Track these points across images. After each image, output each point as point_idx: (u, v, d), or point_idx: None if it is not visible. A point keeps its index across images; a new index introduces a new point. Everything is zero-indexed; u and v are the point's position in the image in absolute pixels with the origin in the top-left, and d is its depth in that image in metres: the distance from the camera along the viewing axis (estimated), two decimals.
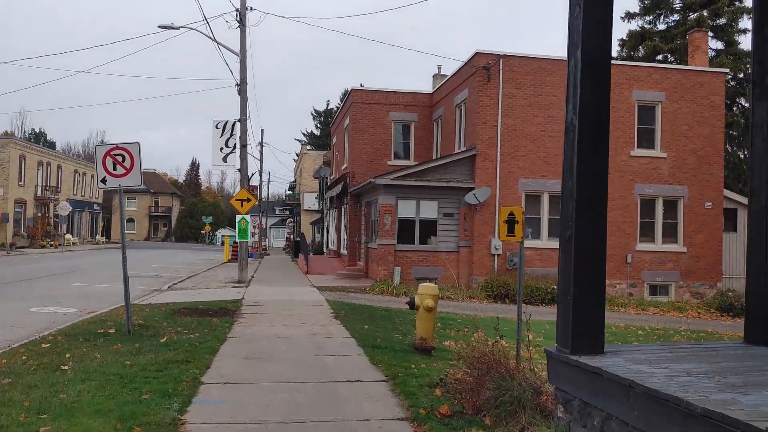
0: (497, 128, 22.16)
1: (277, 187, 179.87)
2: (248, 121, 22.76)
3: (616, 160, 22.74)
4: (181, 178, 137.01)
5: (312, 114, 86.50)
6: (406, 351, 9.57)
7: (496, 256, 22.08)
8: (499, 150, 22.12)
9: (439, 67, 32.58)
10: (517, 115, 22.30)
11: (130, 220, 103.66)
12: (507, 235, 9.55)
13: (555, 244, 23.30)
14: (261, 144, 52.49)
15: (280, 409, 6.17)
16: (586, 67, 5.08)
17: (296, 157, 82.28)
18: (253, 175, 24.66)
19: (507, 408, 6.10)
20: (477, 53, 22.26)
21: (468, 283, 22.10)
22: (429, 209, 22.60)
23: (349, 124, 29.26)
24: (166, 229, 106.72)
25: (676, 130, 23.18)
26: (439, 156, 26.10)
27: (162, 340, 9.64)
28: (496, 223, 22.06)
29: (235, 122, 22.72)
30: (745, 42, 40.11)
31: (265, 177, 77.75)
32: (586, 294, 5.13)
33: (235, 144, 22.71)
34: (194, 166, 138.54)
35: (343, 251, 30.94)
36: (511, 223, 9.49)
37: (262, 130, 56.49)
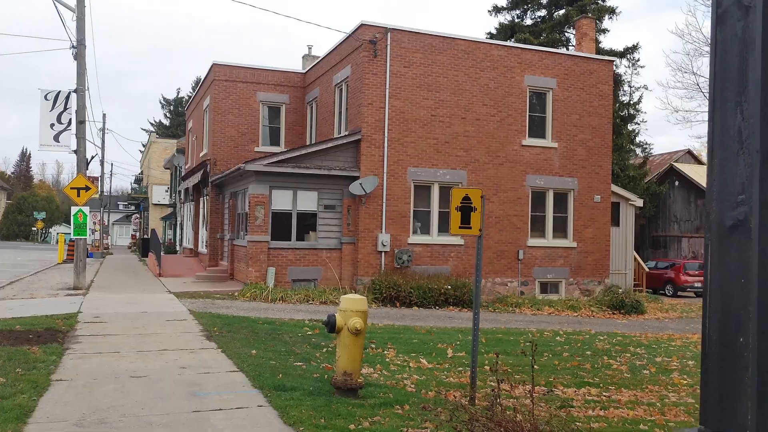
0: (384, 110, 19.74)
1: (121, 181, 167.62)
2: (87, 93, 18.67)
3: (507, 149, 21.18)
4: (10, 170, 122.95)
5: (161, 102, 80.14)
6: (322, 392, 6.77)
7: (383, 254, 19.67)
8: (386, 135, 19.72)
9: (310, 48, 29.68)
10: (405, 96, 20.02)
11: None
12: (460, 227, 7.03)
13: (446, 239, 21.41)
14: (103, 130, 46.67)
15: None
16: None
17: (143, 148, 75.68)
18: (92, 158, 20.47)
19: None
20: (362, 25, 19.71)
21: (352, 285, 19.53)
22: (308, 200, 19.74)
23: (209, 104, 25.63)
24: None
25: (567, 120, 22.02)
26: (313, 143, 23.28)
27: None
28: (383, 216, 19.68)
29: (70, 93, 18.53)
30: (606, 41, 40.76)
31: (107, 168, 70.22)
32: None
33: (71, 120, 18.54)
34: (25, 157, 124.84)
35: (203, 249, 27.24)
36: (465, 210, 6.98)
37: (104, 115, 50.28)
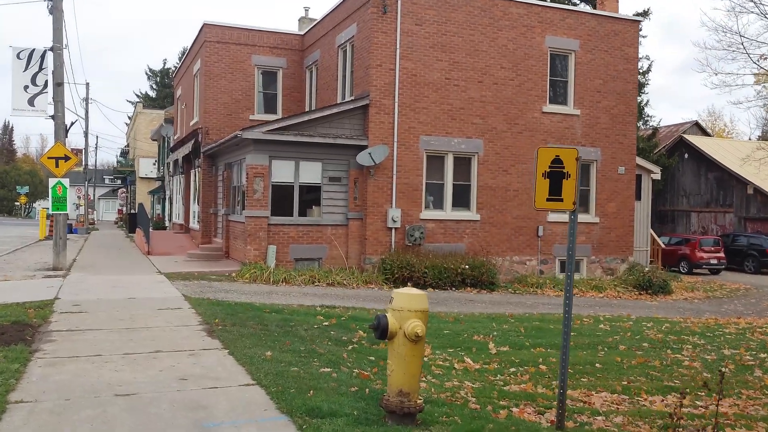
0: (395, 73, 17.92)
1: (107, 155, 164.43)
2: (65, 50, 16.72)
3: (526, 117, 19.46)
4: None
5: (147, 73, 76.91)
6: (371, 418, 5.12)
7: (393, 230, 17.98)
8: (397, 100, 17.92)
9: (307, 10, 27.62)
10: (417, 57, 18.20)
11: None
12: (548, 200, 5.36)
13: (460, 214, 19.73)
14: (86, 99, 44.34)
15: None
16: None
17: (129, 121, 73.17)
18: (72, 124, 18.44)
19: None
20: None
21: (360, 264, 17.87)
22: (311, 172, 17.96)
23: (200, 68, 23.64)
24: None
25: (590, 85, 20.29)
26: (314, 109, 21.40)
27: None
28: (393, 190, 17.97)
29: (45, 51, 16.56)
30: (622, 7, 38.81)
31: (92, 141, 67.63)
32: None
33: (47, 82, 16.61)
34: (7, 130, 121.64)
35: (194, 225, 25.45)
36: (555, 177, 5.30)
37: (87, 83, 47.53)
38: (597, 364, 8.76)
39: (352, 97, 18.82)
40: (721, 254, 29.05)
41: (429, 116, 18.35)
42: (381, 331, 5.08)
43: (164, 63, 75.01)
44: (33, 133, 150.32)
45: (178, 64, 45.41)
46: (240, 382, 5.97)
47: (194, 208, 25.60)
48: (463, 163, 18.95)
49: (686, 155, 38.58)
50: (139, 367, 6.45)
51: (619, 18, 20.97)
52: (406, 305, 5.11)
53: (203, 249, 21.21)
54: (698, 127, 45.19)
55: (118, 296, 11.83)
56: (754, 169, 37.27)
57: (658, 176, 26.09)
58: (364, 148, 17.73)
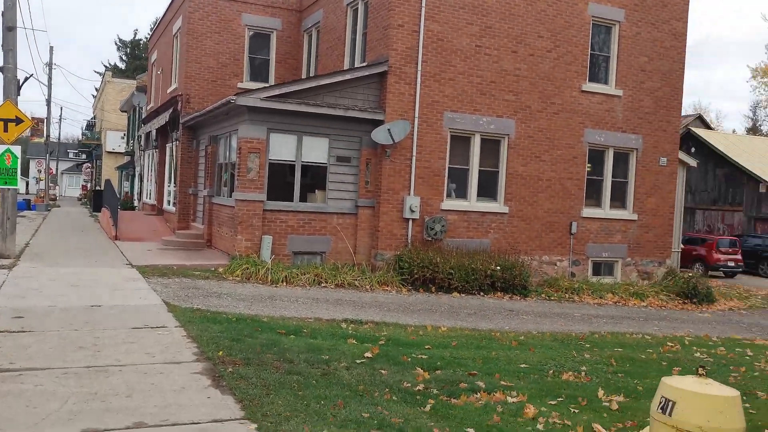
0: (419, 35, 15.10)
1: (71, 128, 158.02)
2: None
3: (564, 95, 16.82)
4: None
5: (116, 44, 72.52)
6: None
7: (410, 222, 15.22)
8: (420, 68, 15.12)
9: None
10: (445, 19, 15.40)
11: None
12: None
13: (486, 206, 16.91)
14: (50, 65, 40.49)
15: None
16: None
17: (96, 92, 68.84)
18: (26, 79, 15.04)
19: None
20: None
21: (370, 260, 15.10)
22: (316, 150, 15.07)
23: (182, 27, 20.47)
24: None
25: (634, 62, 17.73)
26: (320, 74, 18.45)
27: None
28: (412, 174, 15.20)
29: None
30: None
31: (55, 112, 63.14)
32: None
33: None
34: None
35: (169, 207, 22.33)
36: None
37: (51, 47, 43.49)
38: (759, 422, 6.16)
39: (365, 63, 15.95)
40: (739, 256, 27.01)
41: (455, 89, 15.58)
42: None
43: (135, 33, 70.99)
44: None
45: (150, 33, 41.82)
46: None
47: (169, 187, 22.48)
48: (491, 147, 16.25)
49: (693, 149, 36.44)
50: None
51: None
52: (708, 422, 2.37)
53: (180, 236, 18.20)
54: (701, 121, 43.20)
55: (78, 302, 8.88)
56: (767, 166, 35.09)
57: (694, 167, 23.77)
58: (379, 123, 14.91)
